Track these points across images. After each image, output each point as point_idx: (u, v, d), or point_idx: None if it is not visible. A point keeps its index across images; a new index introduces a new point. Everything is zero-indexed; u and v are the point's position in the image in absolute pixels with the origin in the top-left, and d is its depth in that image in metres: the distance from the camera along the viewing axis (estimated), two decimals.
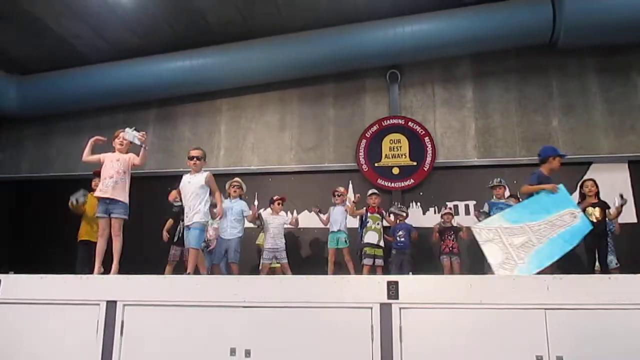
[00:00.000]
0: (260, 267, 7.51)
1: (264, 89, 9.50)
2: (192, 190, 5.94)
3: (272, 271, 7.50)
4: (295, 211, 8.49)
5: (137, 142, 5.75)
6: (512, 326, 4.77)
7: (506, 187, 6.89)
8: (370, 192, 7.78)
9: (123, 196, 5.74)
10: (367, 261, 7.27)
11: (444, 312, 4.90)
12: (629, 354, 4.57)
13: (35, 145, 10.19)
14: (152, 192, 8.91)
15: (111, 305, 5.27)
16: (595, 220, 6.62)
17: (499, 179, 6.84)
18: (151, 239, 7.77)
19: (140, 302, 5.28)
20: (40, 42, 8.96)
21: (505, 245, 5.22)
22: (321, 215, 7.77)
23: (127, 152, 5.98)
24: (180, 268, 7.25)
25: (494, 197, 6.76)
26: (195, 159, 6.04)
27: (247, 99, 9.62)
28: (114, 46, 9.17)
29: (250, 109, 9.57)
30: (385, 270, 7.31)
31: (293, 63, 8.94)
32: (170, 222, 7.40)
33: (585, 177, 7.28)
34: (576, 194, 7.22)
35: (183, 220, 7.10)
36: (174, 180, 7.96)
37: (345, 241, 7.40)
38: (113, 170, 5.75)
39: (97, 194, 5.79)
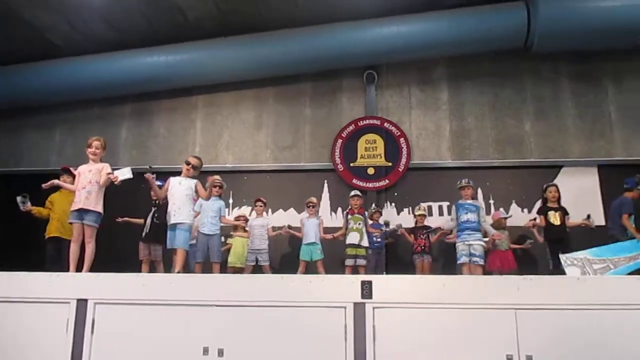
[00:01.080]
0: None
1: (240, 86, 9.44)
2: (183, 192, 6.16)
3: (239, 270, 7.50)
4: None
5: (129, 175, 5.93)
6: (484, 326, 4.85)
7: (473, 187, 7.03)
8: (352, 193, 7.77)
9: (96, 205, 5.87)
10: (348, 262, 7.30)
11: (417, 311, 4.96)
12: (597, 353, 4.69)
13: (5, 139, 9.92)
14: (125, 189, 8.76)
15: (82, 303, 5.20)
16: (556, 223, 6.96)
17: (467, 180, 6.96)
18: (123, 237, 7.68)
19: (112, 301, 5.22)
20: (12, 33, 8.72)
21: (585, 268, 5.74)
22: (294, 232, 7.86)
23: (100, 161, 6.10)
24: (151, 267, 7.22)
25: (462, 198, 6.88)
26: (191, 166, 6.30)
27: (223, 96, 9.55)
28: (89, 39, 8.99)
29: (227, 107, 9.51)
30: (368, 270, 7.33)
31: (270, 61, 8.90)
32: (142, 220, 7.38)
33: (550, 183, 7.40)
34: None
35: (155, 218, 7.12)
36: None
37: (320, 252, 7.42)
38: (86, 181, 5.91)
39: (72, 207, 5.88)
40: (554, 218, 6.96)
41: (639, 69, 8.80)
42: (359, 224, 7.45)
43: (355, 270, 7.19)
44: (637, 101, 8.67)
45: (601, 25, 8.01)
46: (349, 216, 7.56)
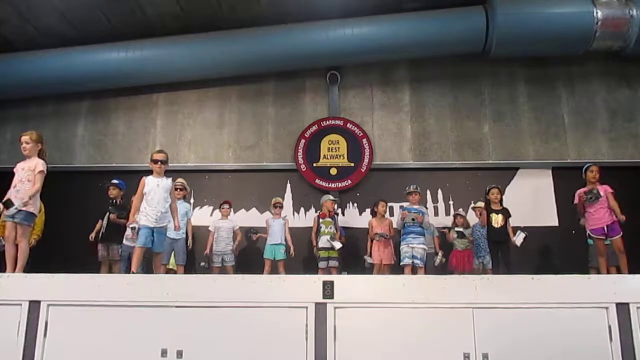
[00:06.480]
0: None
1: (202, 85, 9.30)
2: (162, 193, 5.99)
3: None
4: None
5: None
6: (442, 325, 4.95)
7: (420, 194, 7.26)
8: (327, 198, 7.86)
9: (26, 204, 5.55)
10: (321, 264, 7.35)
11: (378, 311, 5.01)
12: (551, 351, 4.84)
13: None
14: (81, 188, 8.56)
15: (34, 305, 5.04)
16: (497, 226, 7.09)
17: (415, 186, 7.21)
18: (78, 236, 7.47)
19: (66, 302, 5.08)
20: None
21: None
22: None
23: (40, 156, 5.80)
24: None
25: (410, 203, 7.10)
26: (160, 162, 6.10)
27: (185, 95, 9.38)
28: (43, 34, 8.69)
29: (188, 105, 9.36)
30: (340, 271, 7.39)
31: (233, 60, 8.80)
32: (100, 223, 7.22)
33: (492, 185, 7.47)
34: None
35: (121, 217, 7.00)
36: (105, 176, 7.71)
37: (284, 253, 7.49)
38: (17, 179, 5.67)
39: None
40: (496, 221, 7.12)
41: (589, 74, 9.09)
42: (330, 227, 7.53)
43: (328, 271, 7.24)
44: (588, 105, 8.97)
45: (555, 33, 8.27)
46: (320, 220, 7.64)
